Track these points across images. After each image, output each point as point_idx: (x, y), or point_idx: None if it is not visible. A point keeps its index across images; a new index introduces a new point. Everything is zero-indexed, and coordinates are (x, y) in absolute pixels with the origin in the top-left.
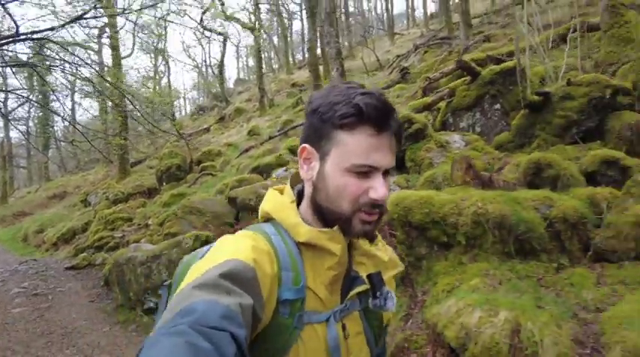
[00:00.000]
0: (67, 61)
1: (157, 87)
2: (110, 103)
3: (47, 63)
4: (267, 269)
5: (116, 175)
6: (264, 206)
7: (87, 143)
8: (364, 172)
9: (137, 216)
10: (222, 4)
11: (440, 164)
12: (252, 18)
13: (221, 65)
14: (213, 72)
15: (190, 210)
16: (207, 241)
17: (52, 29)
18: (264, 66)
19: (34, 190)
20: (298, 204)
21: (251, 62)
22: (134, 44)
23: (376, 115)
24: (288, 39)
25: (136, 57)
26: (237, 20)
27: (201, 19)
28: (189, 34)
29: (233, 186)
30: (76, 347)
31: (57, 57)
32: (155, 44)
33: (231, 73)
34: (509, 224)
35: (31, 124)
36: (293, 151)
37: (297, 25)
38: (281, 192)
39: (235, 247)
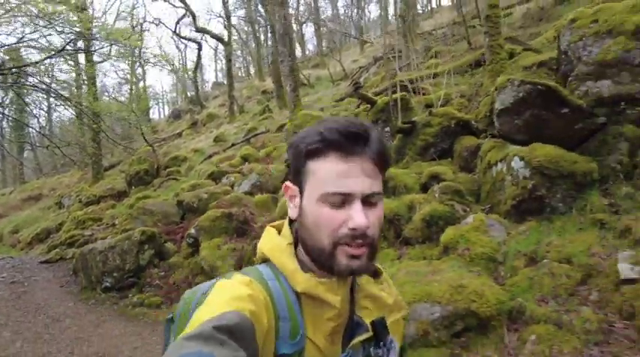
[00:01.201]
0: (44, 88)
1: (134, 89)
2: (85, 120)
3: (26, 88)
4: (264, 321)
5: (90, 178)
6: (262, 246)
7: (62, 148)
8: (339, 201)
9: (106, 216)
10: (194, 17)
11: None
12: (226, 26)
13: (196, 71)
14: (189, 77)
15: (144, 211)
16: (152, 236)
17: (36, 63)
18: (242, 70)
19: (8, 192)
20: (297, 244)
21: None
22: (110, 50)
23: (341, 141)
24: (261, 46)
25: (112, 63)
26: (208, 32)
27: (176, 28)
28: (166, 37)
29: (188, 190)
30: (46, 315)
31: (36, 81)
32: (131, 50)
33: (209, 76)
34: None
35: (4, 124)
36: (246, 158)
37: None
38: (279, 231)
39: (233, 296)
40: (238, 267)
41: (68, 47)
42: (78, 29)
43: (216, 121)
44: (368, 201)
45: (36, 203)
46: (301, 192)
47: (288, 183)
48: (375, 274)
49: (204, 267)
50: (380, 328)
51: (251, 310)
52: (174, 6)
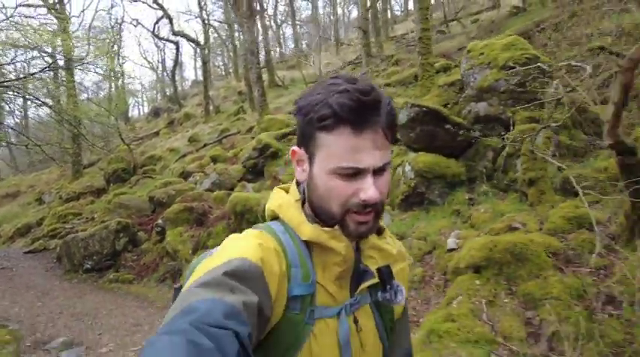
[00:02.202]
0: (20, 93)
1: (112, 87)
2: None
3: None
4: (275, 267)
5: (70, 176)
6: (270, 205)
7: (43, 146)
8: (351, 174)
9: (85, 211)
10: (171, 21)
11: (283, 174)
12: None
13: (174, 71)
14: (167, 75)
15: (120, 205)
16: (126, 226)
17: (17, 79)
18: (221, 68)
19: None
20: (304, 201)
21: (210, 62)
22: (89, 47)
23: (352, 116)
24: (237, 48)
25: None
26: (185, 36)
27: (154, 29)
28: (145, 35)
29: (160, 188)
30: (36, 290)
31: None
32: (111, 48)
33: (189, 73)
34: None
35: None
36: (215, 158)
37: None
38: (286, 191)
39: (241, 246)
40: (195, 250)
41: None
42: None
43: (192, 121)
44: (378, 171)
45: (14, 200)
46: (310, 159)
47: (295, 148)
48: (379, 231)
49: (168, 250)
50: (386, 274)
51: (261, 257)
52: (152, 7)
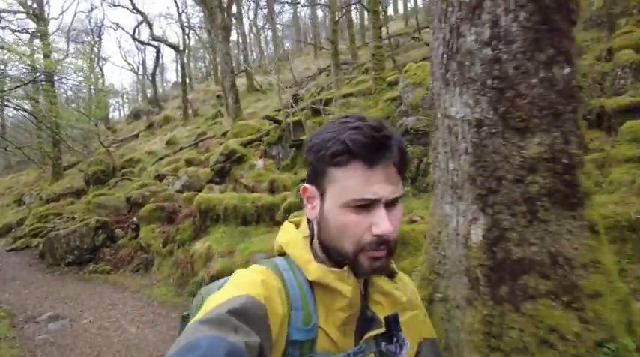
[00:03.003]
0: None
1: (93, 87)
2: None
3: None
4: (278, 308)
5: (50, 177)
6: (279, 239)
7: (23, 148)
8: (363, 206)
9: (66, 211)
10: (150, 27)
11: (246, 178)
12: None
13: (154, 74)
14: (148, 78)
15: (99, 205)
16: (105, 223)
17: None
18: (202, 71)
19: None
20: (312, 238)
21: (191, 65)
22: (68, 48)
23: (365, 151)
24: (217, 53)
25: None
26: (164, 41)
27: (134, 32)
28: (126, 37)
29: (137, 189)
30: (21, 281)
31: None
32: (91, 49)
33: (171, 75)
34: (241, 209)
35: None
36: (190, 162)
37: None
38: (297, 225)
39: (247, 283)
40: (165, 243)
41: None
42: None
43: (171, 124)
44: (390, 204)
45: None
46: (322, 195)
47: (306, 185)
48: (391, 274)
49: (142, 244)
50: (393, 324)
51: (265, 296)
52: (132, 12)
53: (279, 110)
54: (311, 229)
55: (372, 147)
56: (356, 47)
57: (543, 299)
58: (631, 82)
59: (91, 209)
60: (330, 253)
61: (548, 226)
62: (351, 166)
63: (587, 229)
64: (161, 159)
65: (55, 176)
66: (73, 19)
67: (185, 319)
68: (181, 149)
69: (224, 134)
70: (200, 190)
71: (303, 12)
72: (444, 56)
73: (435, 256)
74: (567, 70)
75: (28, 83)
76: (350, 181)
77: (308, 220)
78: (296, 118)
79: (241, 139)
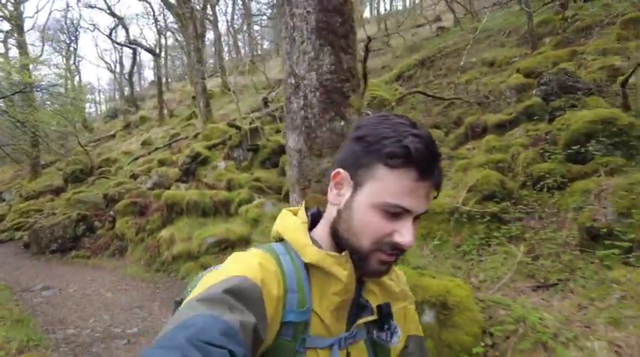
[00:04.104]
0: None
1: (69, 85)
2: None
3: None
4: (274, 290)
5: (28, 175)
6: (277, 226)
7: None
8: (395, 213)
9: (46, 208)
10: (127, 30)
11: (209, 177)
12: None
13: (131, 74)
14: (125, 77)
15: (78, 201)
16: (85, 216)
17: None
18: (180, 69)
19: None
20: (312, 227)
21: (169, 63)
22: (43, 46)
23: (423, 162)
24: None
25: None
26: (140, 44)
27: (111, 34)
28: (103, 37)
29: (114, 187)
30: (10, 266)
31: None
32: (67, 44)
33: (149, 73)
34: (200, 204)
35: None
36: (163, 162)
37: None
38: (295, 213)
39: (244, 264)
40: (137, 232)
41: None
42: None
43: (148, 124)
44: (416, 217)
45: None
46: (355, 186)
47: (341, 170)
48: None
49: (117, 234)
50: (385, 312)
51: (261, 278)
52: (108, 14)
53: (251, 112)
54: (312, 216)
55: (429, 160)
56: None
57: None
58: (516, 102)
59: (71, 204)
60: (341, 243)
61: None
62: (403, 172)
63: None
64: (136, 159)
65: (34, 174)
66: (48, 18)
67: (179, 304)
68: (156, 149)
69: (196, 136)
70: (169, 188)
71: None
72: (285, 112)
73: None
74: (342, 123)
75: (11, 95)
76: (395, 185)
77: (306, 208)
78: (254, 125)
79: (207, 143)
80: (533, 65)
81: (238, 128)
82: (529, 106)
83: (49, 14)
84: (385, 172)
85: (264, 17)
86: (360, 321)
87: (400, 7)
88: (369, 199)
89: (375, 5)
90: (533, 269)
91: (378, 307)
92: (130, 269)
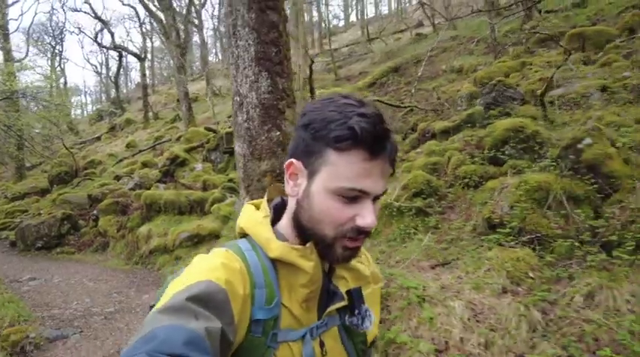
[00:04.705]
0: None
1: (54, 87)
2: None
3: None
4: (239, 289)
5: (12, 177)
6: (240, 222)
7: None
8: (353, 196)
9: (32, 208)
10: (112, 35)
11: (186, 178)
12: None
13: (117, 77)
14: (111, 80)
15: (63, 201)
16: (69, 215)
17: None
18: (167, 71)
19: None
20: (276, 219)
21: (156, 64)
22: (28, 48)
23: (372, 141)
24: None
25: (30, 59)
26: (125, 49)
27: (96, 37)
28: (88, 39)
29: (98, 188)
30: None
31: None
32: (52, 48)
33: (136, 75)
34: (177, 203)
35: None
36: (145, 164)
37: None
38: (257, 207)
39: (207, 267)
40: (119, 229)
41: None
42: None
43: (133, 126)
44: (375, 198)
45: None
46: (310, 175)
47: (293, 160)
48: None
49: (100, 231)
50: (356, 297)
51: (225, 279)
52: (93, 18)
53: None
54: (274, 208)
55: (378, 138)
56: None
57: None
58: (464, 109)
59: (57, 204)
60: (305, 234)
61: None
62: (353, 154)
63: None
64: (121, 161)
65: (19, 176)
66: (32, 20)
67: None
68: (140, 152)
69: (179, 138)
70: (149, 188)
71: None
72: (233, 124)
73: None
74: (278, 133)
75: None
76: (347, 169)
77: (268, 200)
78: (229, 129)
79: (187, 146)
80: (488, 75)
81: (215, 132)
82: (471, 114)
83: (34, 16)
84: (336, 156)
85: None
86: (330, 308)
87: (386, 12)
88: (325, 186)
89: (359, 10)
90: (436, 252)
91: (348, 292)
92: (112, 262)
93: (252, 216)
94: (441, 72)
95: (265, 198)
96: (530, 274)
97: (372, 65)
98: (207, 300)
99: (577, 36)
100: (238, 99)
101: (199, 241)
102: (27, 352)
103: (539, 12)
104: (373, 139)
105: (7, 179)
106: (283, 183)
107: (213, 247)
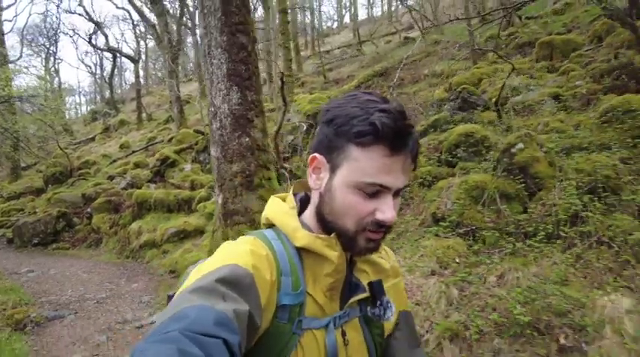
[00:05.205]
0: None
1: (48, 86)
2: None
3: None
4: (266, 275)
5: (8, 177)
6: (266, 212)
7: None
8: (373, 191)
9: (28, 207)
10: (106, 37)
11: (175, 178)
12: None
13: (111, 78)
14: (105, 81)
15: (58, 200)
16: (64, 213)
17: None
18: (162, 74)
19: None
20: (301, 211)
21: (150, 65)
22: (22, 48)
23: (393, 136)
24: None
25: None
26: (119, 51)
27: (90, 39)
28: (82, 40)
29: (92, 187)
30: None
31: None
32: (46, 49)
33: (130, 76)
34: (165, 202)
35: None
36: (138, 165)
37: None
38: (283, 199)
39: (234, 252)
40: (111, 226)
41: None
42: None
43: (126, 127)
44: (396, 193)
45: None
46: (332, 169)
47: (316, 155)
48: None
49: (94, 228)
50: (377, 289)
51: (252, 264)
52: (87, 21)
53: None
54: (298, 202)
55: (399, 134)
56: (301, 58)
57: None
58: (433, 114)
59: (52, 203)
60: (327, 226)
61: (243, 197)
62: (374, 149)
63: (260, 199)
64: (114, 161)
65: (14, 176)
66: (27, 21)
67: (171, 299)
68: (133, 152)
69: (170, 140)
70: (140, 188)
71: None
72: (210, 132)
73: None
74: (247, 139)
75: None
76: (368, 164)
77: (294, 193)
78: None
79: (175, 147)
80: (462, 80)
81: (204, 134)
82: (437, 119)
83: (28, 17)
84: (358, 151)
85: None
86: (353, 299)
87: (379, 14)
88: (347, 181)
89: (352, 13)
90: (387, 242)
91: (370, 284)
92: (104, 257)
93: (279, 207)
94: (423, 76)
95: (291, 191)
96: (457, 260)
97: (360, 68)
98: (234, 282)
99: (547, 44)
100: (213, 109)
101: (185, 237)
102: (29, 328)
103: (520, 18)
104: (394, 135)
105: (3, 179)
106: (253, 183)
107: (198, 242)
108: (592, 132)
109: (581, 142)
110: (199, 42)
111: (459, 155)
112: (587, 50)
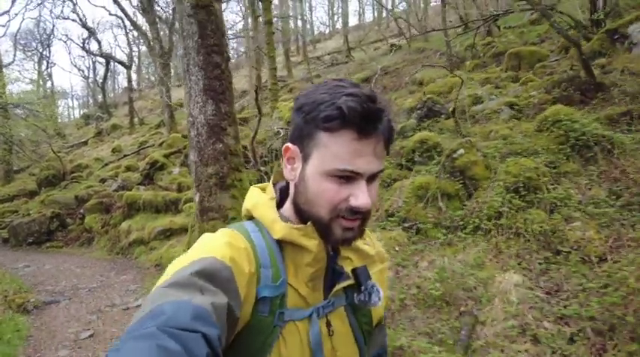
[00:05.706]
0: None
1: (41, 89)
2: None
3: None
4: (245, 267)
5: (0, 180)
6: (246, 204)
7: None
8: (346, 177)
9: (22, 209)
10: (99, 43)
11: (164, 181)
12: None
13: (104, 83)
14: (98, 85)
15: (52, 201)
16: (58, 214)
17: None
18: (155, 77)
19: None
20: (281, 202)
21: (143, 69)
22: (15, 52)
23: (360, 119)
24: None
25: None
26: (112, 57)
27: (84, 43)
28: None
29: (84, 189)
30: None
31: None
32: (39, 53)
33: (123, 80)
34: (154, 203)
35: None
36: (129, 168)
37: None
38: (263, 190)
39: (212, 245)
40: (103, 226)
41: None
42: None
43: (119, 131)
44: (371, 178)
45: None
46: (304, 158)
47: (289, 144)
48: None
49: (86, 228)
50: (361, 275)
51: (230, 257)
52: (81, 26)
53: None
54: (277, 192)
55: (367, 117)
56: (291, 64)
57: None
58: (403, 122)
59: (46, 204)
60: (303, 216)
61: (217, 195)
62: (342, 134)
63: (231, 197)
64: (106, 165)
65: (7, 179)
66: (20, 26)
67: None
68: (125, 156)
69: (161, 144)
70: (130, 190)
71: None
72: (188, 139)
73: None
74: (221, 145)
75: None
76: (338, 149)
77: (274, 183)
78: None
79: (165, 151)
80: (435, 89)
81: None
82: (404, 127)
83: (21, 22)
84: (326, 137)
85: (238, 28)
86: (337, 287)
87: (371, 20)
88: (318, 168)
89: (342, 20)
90: None
91: (353, 270)
92: (96, 254)
93: (258, 198)
94: (404, 84)
95: (271, 181)
96: (396, 248)
97: (347, 75)
98: (212, 275)
99: (515, 55)
100: (191, 119)
101: (171, 234)
102: (29, 310)
103: (499, 28)
104: (361, 118)
105: None
106: (225, 183)
107: (182, 239)
108: (530, 139)
109: (519, 148)
110: None
111: (414, 159)
112: (552, 61)
